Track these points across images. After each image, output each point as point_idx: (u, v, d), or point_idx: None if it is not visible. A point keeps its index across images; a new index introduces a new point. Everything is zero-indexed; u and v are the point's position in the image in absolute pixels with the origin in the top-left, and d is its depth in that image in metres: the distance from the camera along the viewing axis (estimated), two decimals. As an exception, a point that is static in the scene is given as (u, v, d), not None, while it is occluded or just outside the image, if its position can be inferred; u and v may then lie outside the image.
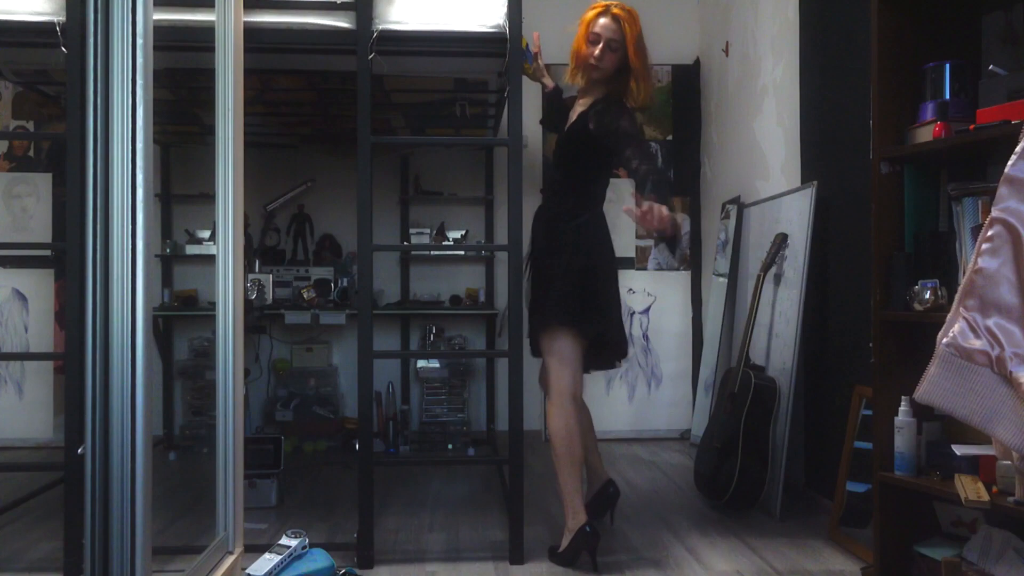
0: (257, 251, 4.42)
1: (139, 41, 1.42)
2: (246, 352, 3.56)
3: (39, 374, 4.54)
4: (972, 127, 2.11)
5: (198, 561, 1.99)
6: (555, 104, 3.13)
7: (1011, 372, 1.77)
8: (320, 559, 2.42)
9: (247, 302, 3.99)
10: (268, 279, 4.19)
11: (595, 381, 4.82)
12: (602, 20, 2.66)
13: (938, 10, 2.36)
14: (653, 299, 4.85)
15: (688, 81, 4.89)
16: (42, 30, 2.56)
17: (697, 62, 4.91)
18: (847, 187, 3.14)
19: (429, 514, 3.28)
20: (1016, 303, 1.78)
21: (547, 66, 3.12)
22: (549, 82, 3.11)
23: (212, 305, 2.19)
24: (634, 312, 4.84)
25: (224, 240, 2.16)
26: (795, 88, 3.56)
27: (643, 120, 4.90)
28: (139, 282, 1.42)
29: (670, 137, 4.90)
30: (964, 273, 1.98)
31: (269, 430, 4.40)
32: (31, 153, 4.63)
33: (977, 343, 1.81)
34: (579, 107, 2.84)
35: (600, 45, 2.66)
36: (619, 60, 2.69)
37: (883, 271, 2.37)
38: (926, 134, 2.25)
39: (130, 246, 1.41)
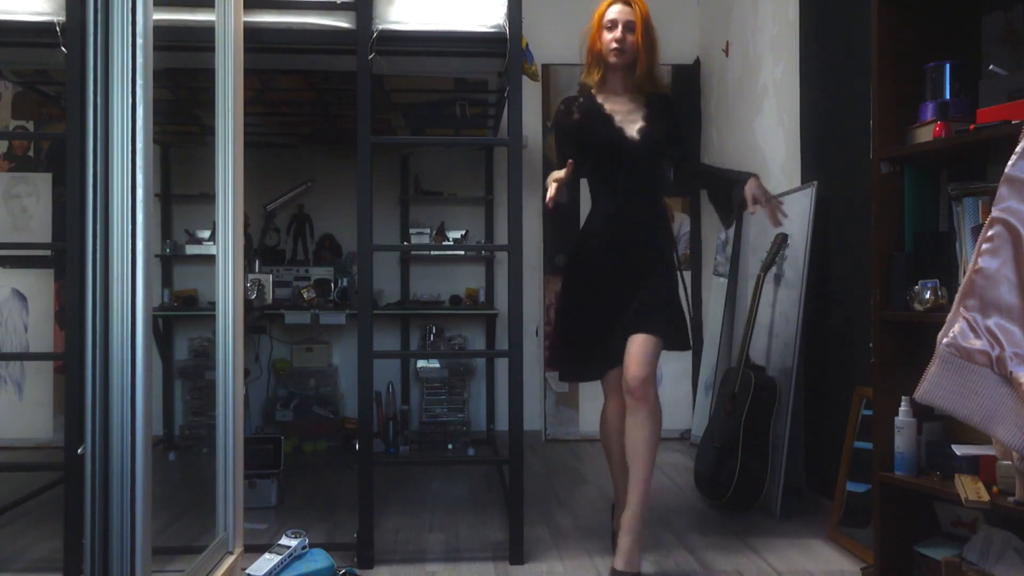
0: (257, 251, 4.42)
1: (139, 41, 1.41)
2: (246, 352, 3.56)
3: (39, 374, 4.54)
4: (972, 127, 2.11)
5: (198, 561, 1.98)
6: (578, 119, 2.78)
7: (1011, 372, 1.77)
8: (320, 559, 2.41)
9: (247, 302, 3.99)
10: (268, 279, 4.18)
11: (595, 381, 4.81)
12: (615, 7, 2.69)
13: (938, 10, 2.36)
14: (653, 299, 4.84)
15: (688, 81, 4.89)
16: (42, 30, 2.56)
17: (697, 62, 4.91)
18: (847, 187, 3.14)
19: (429, 514, 3.28)
20: (1016, 303, 1.78)
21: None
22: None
23: (212, 305, 2.19)
24: (634, 312, 4.84)
25: (224, 240, 2.16)
26: (795, 88, 3.56)
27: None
28: (139, 282, 1.42)
29: (670, 137, 4.90)
30: (964, 273, 1.98)
31: (269, 430, 4.40)
32: (31, 153, 4.63)
33: (977, 343, 1.81)
34: (620, 106, 2.73)
35: (619, 29, 2.66)
36: (636, 42, 2.68)
37: (883, 271, 2.37)
38: (926, 134, 2.25)
39: (130, 246, 1.41)
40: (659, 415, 2.54)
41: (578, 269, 2.76)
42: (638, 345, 2.54)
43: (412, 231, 4.67)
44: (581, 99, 2.77)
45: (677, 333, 2.69)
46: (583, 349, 2.71)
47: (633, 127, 2.70)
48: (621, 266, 2.67)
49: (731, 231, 4.14)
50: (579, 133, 2.72)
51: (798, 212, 3.41)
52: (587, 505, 3.40)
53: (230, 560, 2.11)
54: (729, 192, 2.72)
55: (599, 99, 2.75)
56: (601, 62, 2.73)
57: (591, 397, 4.82)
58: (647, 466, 2.51)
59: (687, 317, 2.78)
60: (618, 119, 2.72)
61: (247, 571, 2.28)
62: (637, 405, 2.51)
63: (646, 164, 2.73)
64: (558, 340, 2.80)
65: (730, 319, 4.15)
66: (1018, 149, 1.79)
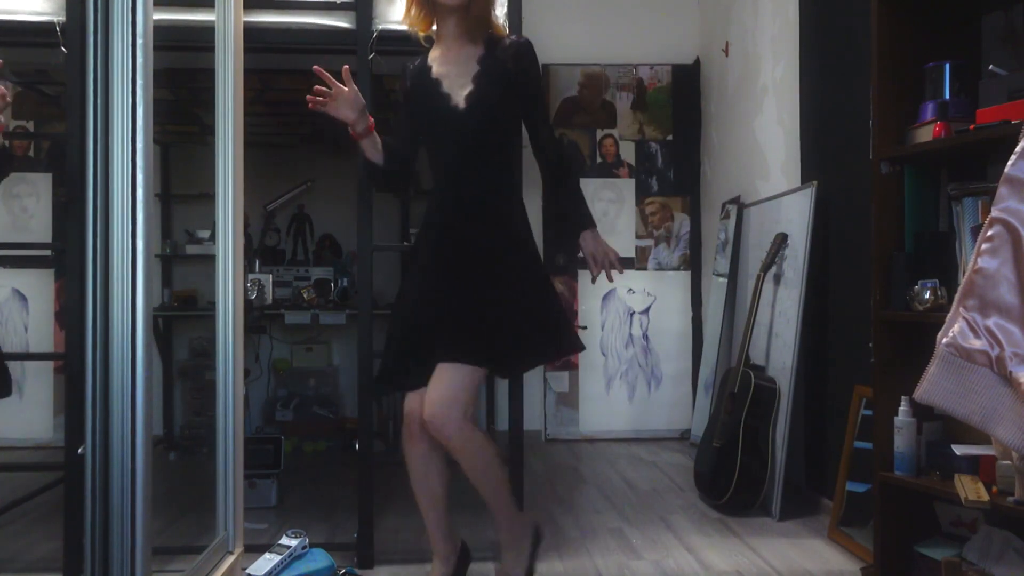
0: (257, 251, 4.42)
1: (139, 41, 1.41)
2: (246, 352, 3.56)
3: (39, 374, 4.54)
4: (972, 127, 2.11)
5: (198, 561, 1.98)
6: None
7: (1011, 372, 1.77)
8: (320, 559, 2.42)
9: (247, 302, 3.99)
10: (268, 279, 4.18)
11: (595, 381, 4.83)
12: None
13: (938, 10, 2.36)
14: (653, 299, 4.85)
15: (688, 81, 4.89)
16: (42, 30, 2.56)
17: (697, 62, 4.91)
18: (847, 187, 3.14)
19: (429, 514, 3.27)
20: (1016, 303, 1.78)
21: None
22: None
23: (212, 305, 2.19)
24: (634, 312, 4.85)
25: (224, 240, 2.16)
26: (795, 88, 3.56)
27: (642, 120, 4.91)
28: (139, 282, 1.42)
29: (670, 137, 4.90)
30: (964, 273, 1.98)
31: (269, 430, 4.40)
32: (31, 153, 4.63)
33: (977, 343, 1.81)
34: (451, 65, 2.18)
35: None
36: None
37: (883, 271, 2.37)
38: (926, 134, 2.25)
39: (130, 246, 1.41)
40: (474, 445, 2.14)
41: (413, 262, 2.33)
42: (440, 374, 2.11)
43: (412, 231, 4.67)
44: (418, 61, 2.26)
45: (524, 351, 2.22)
46: (404, 354, 2.27)
47: (461, 92, 2.15)
48: (450, 264, 2.19)
49: (731, 231, 4.14)
50: (408, 105, 2.28)
51: (798, 212, 3.41)
52: (587, 505, 3.40)
53: (230, 560, 2.11)
54: (567, 228, 2.38)
55: (431, 58, 2.22)
56: (427, 3, 2.18)
57: (591, 397, 4.82)
58: (494, 490, 2.22)
59: (549, 326, 2.26)
60: (446, 84, 2.17)
61: (247, 571, 2.28)
62: (440, 443, 2.14)
63: (472, 139, 2.17)
64: (387, 341, 2.36)
65: (730, 319, 4.15)
66: (1018, 149, 1.79)
